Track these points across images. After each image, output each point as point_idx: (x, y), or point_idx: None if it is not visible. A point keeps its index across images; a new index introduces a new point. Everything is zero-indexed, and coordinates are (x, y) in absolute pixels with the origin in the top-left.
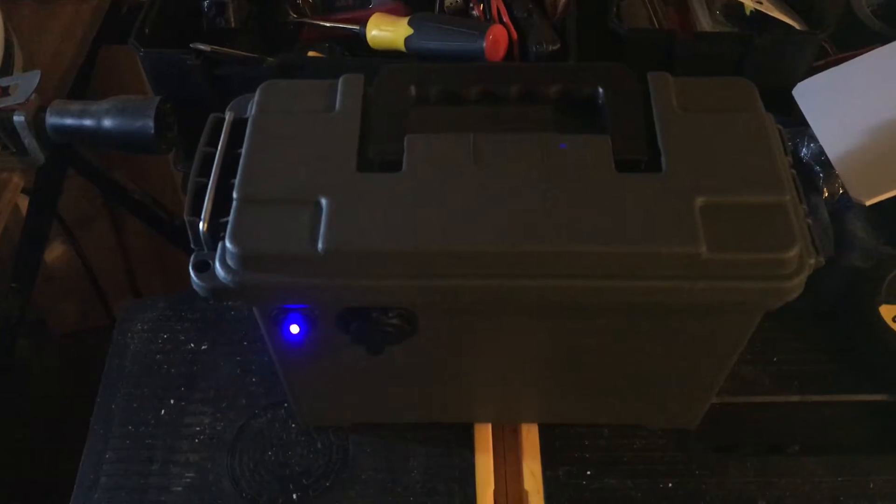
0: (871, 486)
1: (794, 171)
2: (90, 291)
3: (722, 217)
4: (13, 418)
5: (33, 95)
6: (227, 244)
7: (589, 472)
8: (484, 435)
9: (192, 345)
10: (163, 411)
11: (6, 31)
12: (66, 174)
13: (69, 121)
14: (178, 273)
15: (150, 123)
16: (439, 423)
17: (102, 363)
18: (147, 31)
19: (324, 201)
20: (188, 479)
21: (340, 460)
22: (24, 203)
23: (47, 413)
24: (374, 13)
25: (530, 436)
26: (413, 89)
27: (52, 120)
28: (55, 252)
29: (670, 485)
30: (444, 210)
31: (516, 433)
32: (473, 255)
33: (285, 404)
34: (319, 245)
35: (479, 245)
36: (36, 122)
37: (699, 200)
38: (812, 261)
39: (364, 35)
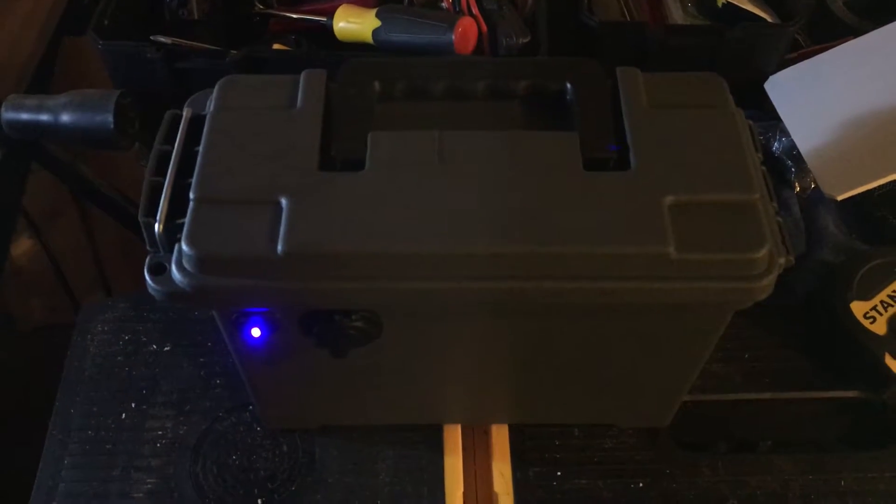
0: (843, 483)
1: (764, 169)
2: (58, 287)
3: (691, 216)
4: None
5: None
6: (184, 246)
7: (559, 473)
8: (453, 436)
9: (155, 346)
10: (124, 415)
11: None
12: (29, 168)
13: (25, 116)
14: (145, 253)
15: (110, 118)
16: (408, 424)
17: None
18: (106, 22)
19: (284, 201)
20: (150, 485)
21: (306, 463)
22: None
23: (12, 409)
24: (341, 4)
25: (500, 436)
26: (377, 85)
27: (7, 115)
28: (22, 247)
29: (641, 485)
30: (408, 210)
31: (486, 434)
32: (437, 257)
33: (250, 407)
34: (279, 247)
35: (443, 247)
36: None
37: (668, 199)
38: (782, 260)
39: (331, 27)
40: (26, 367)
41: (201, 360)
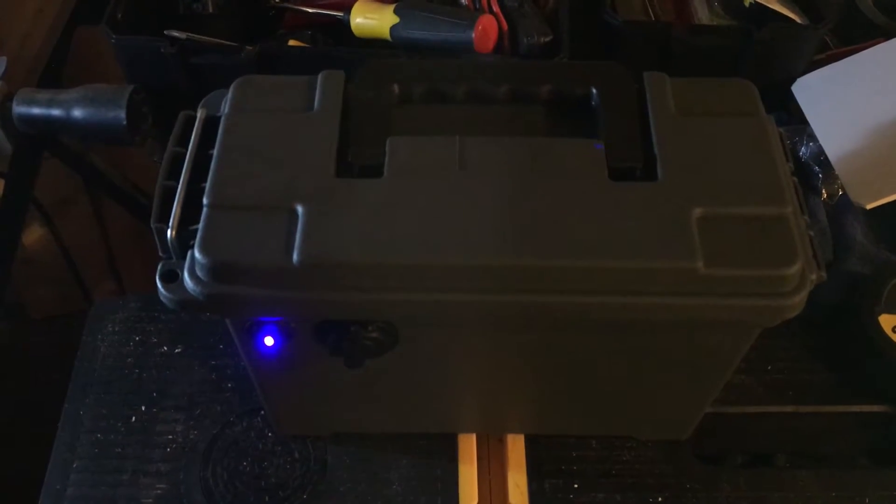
0: (867, 501)
1: (795, 180)
2: (69, 276)
3: (720, 230)
4: None
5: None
6: (197, 254)
7: (576, 485)
8: (468, 445)
9: (165, 348)
10: (133, 418)
11: None
12: (41, 158)
13: (36, 110)
14: (158, 258)
15: (122, 114)
16: (422, 432)
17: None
18: (120, 16)
19: (300, 209)
20: (159, 491)
21: (318, 471)
22: (0, 186)
23: (25, 397)
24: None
25: (516, 447)
26: (396, 87)
27: (18, 109)
28: (33, 235)
29: (660, 499)
30: (428, 220)
31: (501, 444)
32: (457, 269)
33: (261, 411)
34: (295, 256)
35: (463, 258)
36: (2, 112)
37: (696, 212)
38: (814, 276)
39: (348, 22)
40: (37, 355)
41: (212, 362)
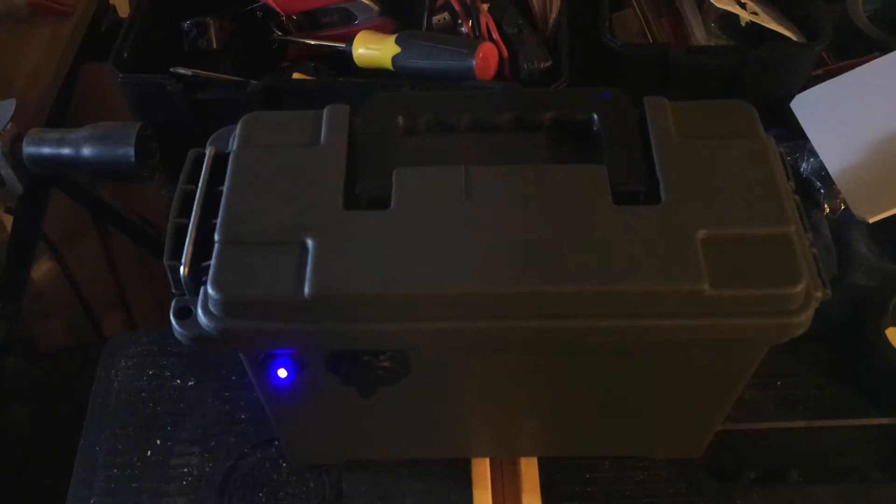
0: None
1: (797, 198)
2: (78, 308)
3: (725, 251)
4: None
5: (9, 125)
6: (210, 290)
7: None
8: (482, 470)
9: (179, 381)
10: (149, 452)
11: None
12: (49, 193)
13: (46, 150)
14: (167, 288)
15: (131, 151)
16: (436, 458)
17: (91, 380)
18: (125, 54)
19: (310, 242)
20: None
21: (334, 500)
22: (9, 221)
23: (38, 430)
24: (360, 30)
25: (529, 470)
26: (401, 119)
27: (28, 150)
28: (42, 269)
29: None
30: (436, 249)
31: (515, 467)
32: (467, 298)
33: (276, 442)
34: (306, 289)
35: (472, 287)
36: (13, 153)
37: (701, 233)
38: (819, 294)
39: (350, 53)
40: (48, 388)
41: (226, 394)
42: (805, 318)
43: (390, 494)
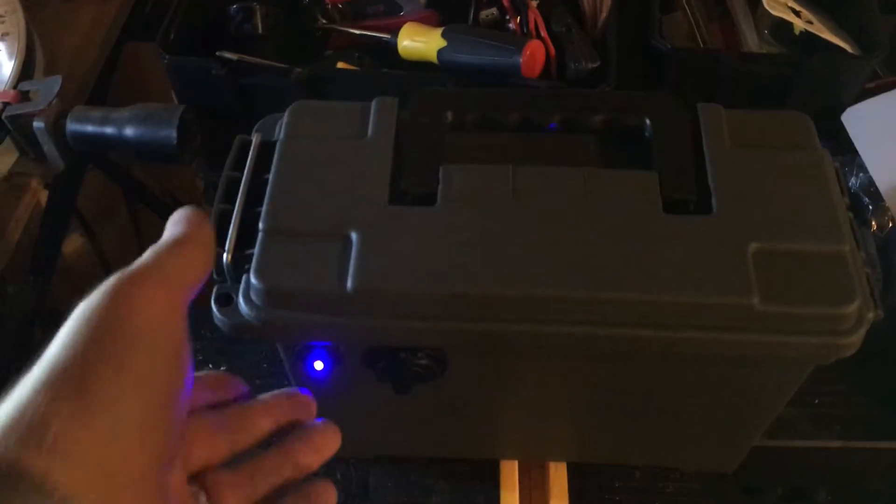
0: None
1: (851, 216)
2: None
3: (776, 266)
4: None
5: (54, 101)
6: (252, 279)
7: None
8: (510, 472)
9: (210, 366)
10: None
11: (28, 33)
12: (85, 170)
13: (90, 128)
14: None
15: (174, 133)
16: (464, 457)
17: None
18: (172, 36)
19: (354, 236)
20: None
21: (360, 493)
22: (44, 195)
23: None
24: (405, 22)
25: (558, 474)
26: (449, 115)
27: (72, 127)
28: (73, 245)
29: None
30: (480, 249)
31: (543, 471)
32: (509, 300)
33: None
34: (349, 283)
35: (515, 289)
36: (56, 129)
37: (752, 247)
38: (871, 315)
39: (395, 44)
40: None
41: (257, 381)
42: (856, 339)
43: (416, 491)
